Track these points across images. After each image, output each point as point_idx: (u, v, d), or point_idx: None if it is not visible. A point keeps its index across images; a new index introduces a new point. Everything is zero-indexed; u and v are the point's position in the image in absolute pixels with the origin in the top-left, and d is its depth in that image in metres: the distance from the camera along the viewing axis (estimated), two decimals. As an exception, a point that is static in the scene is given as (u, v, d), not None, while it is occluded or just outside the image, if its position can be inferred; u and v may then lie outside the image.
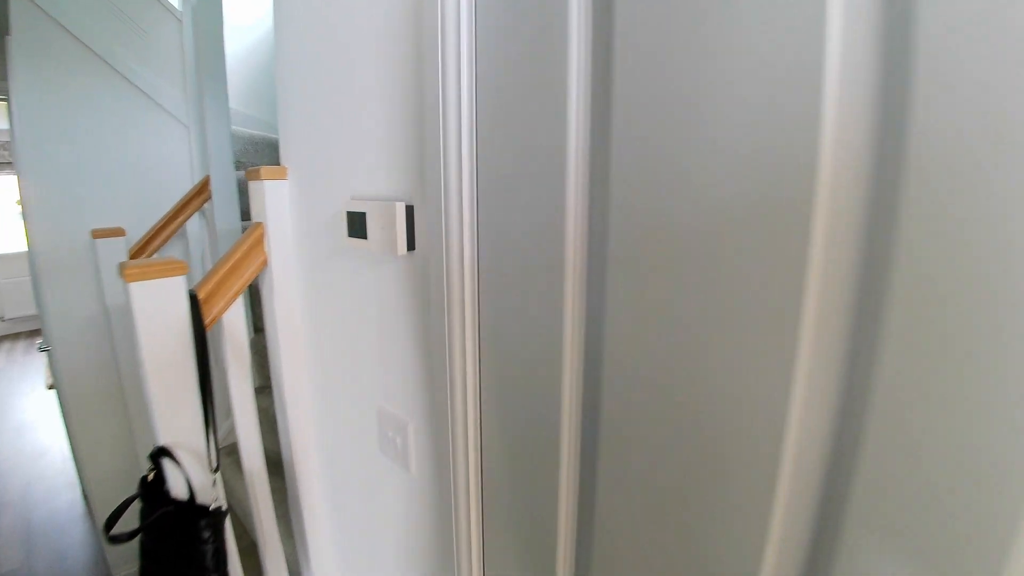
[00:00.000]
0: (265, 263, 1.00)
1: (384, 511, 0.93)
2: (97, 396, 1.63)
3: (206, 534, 0.86)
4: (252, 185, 1.00)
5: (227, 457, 1.76)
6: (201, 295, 0.92)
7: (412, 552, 0.89)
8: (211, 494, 0.94)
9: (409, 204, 0.72)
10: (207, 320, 0.93)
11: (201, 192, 1.65)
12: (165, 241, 1.60)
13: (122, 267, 0.82)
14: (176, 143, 1.82)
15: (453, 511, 0.72)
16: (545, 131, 0.51)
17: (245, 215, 1.85)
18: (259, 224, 1.00)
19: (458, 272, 0.64)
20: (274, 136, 2.68)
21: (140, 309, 0.84)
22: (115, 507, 0.85)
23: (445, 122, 0.60)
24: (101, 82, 1.62)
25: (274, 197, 0.99)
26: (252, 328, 1.83)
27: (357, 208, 0.78)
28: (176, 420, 0.90)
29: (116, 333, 1.51)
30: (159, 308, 0.86)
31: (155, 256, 1.58)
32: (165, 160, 1.80)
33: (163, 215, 1.61)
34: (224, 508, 0.92)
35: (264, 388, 1.87)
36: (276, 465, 1.18)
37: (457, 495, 0.71)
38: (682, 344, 0.44)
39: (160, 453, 0.89)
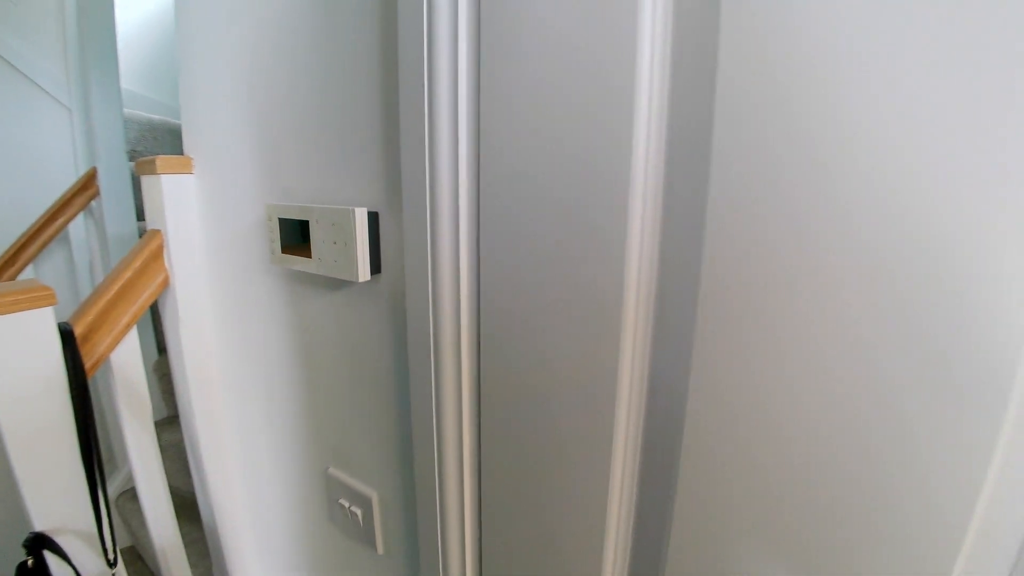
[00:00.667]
0: (166, 282, 0.77)
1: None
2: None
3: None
4: (146, 180, 0.76)
5: (130, 502, 1.48)
6: (79, 330, 0.69)
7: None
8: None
9: (372, 210, 0.52)
10: (89, 363, 0.70)
11: (86, 187, 1.35)
12: (40, 249, 1.30)
13: None
14: (56, 129, 1.49)
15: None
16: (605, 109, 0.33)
17: (141, 214, 1.56)
18: (156, 232, 0.76)
19: (451, 304, 0.45)
20: (177, 122, 2.34)
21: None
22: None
23: (433, 97, 0.42)
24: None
25: (176, 196, 0.75)
26: (156, 348, 1.55)
27: (295, 215, 0.57)
28: (55, 500, 0.66)
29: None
30: (18, 353, 0.62)
31: (22, 274, 1.27)
32: (42, 150, 1.48)
33: (37, 217, 1.30)
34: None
35: (173, 419, 1.59)
36: (192, 507, 0.94)
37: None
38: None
39: (37, 543, 0.65)
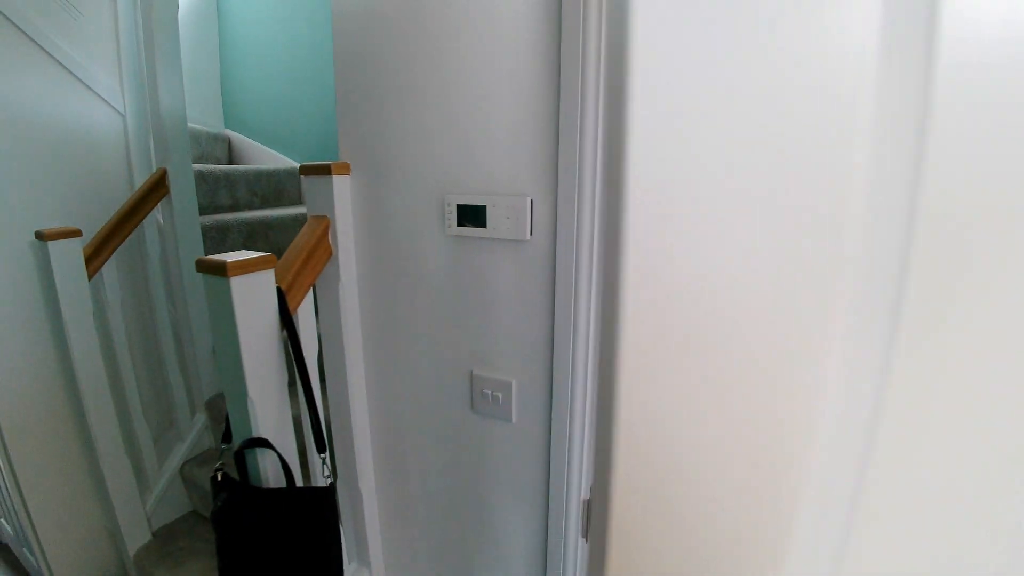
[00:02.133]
0: (330, 255, 1.06)
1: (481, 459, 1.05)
2: (39, 418, 1.47)
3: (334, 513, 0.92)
4: (313, 180, 1.04)
5: (197, 467, 1.68)
6: (283, 287, 0.96)
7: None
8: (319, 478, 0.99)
9: (531, 197, 0.86)
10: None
11: (157, 187, 1.55)
12: (122, 241, 1.49)
13: (220, 264, 0.83)
14: (108, 131, 1.66)
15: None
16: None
17: (203, 210, 1.77)
18: (324, 217, 1.04)
19: (587, 260, 0.81)
20: (206, 128, 2.50)
21: (240, 304, 0.87)
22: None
23: (583, 121, 0.76)
24: (15, 53, 1.44)
25: (340, 191, 1.04)
26: (213, 331, 1.75)
27: (473, 201, 0.90)
28: (272, 412, 0.93)
29: (74, 346, 1.38)
30: (255, 303, 0.89)
31: (106, 264, 1.46)
32: (96, 150, 1.65)
33: (116, 210, 1.50)
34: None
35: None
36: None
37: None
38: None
39: (255, 444, 0.91)
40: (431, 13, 0.89)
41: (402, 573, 1.27)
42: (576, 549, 1.00)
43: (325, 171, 1.02)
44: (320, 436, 1.00)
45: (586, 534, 1.00)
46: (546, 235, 0.86)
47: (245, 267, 0.86)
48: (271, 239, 2.07)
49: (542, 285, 0.88)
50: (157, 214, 1.61)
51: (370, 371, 1.14)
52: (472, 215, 0.91)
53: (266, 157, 2.65)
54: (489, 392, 0.98)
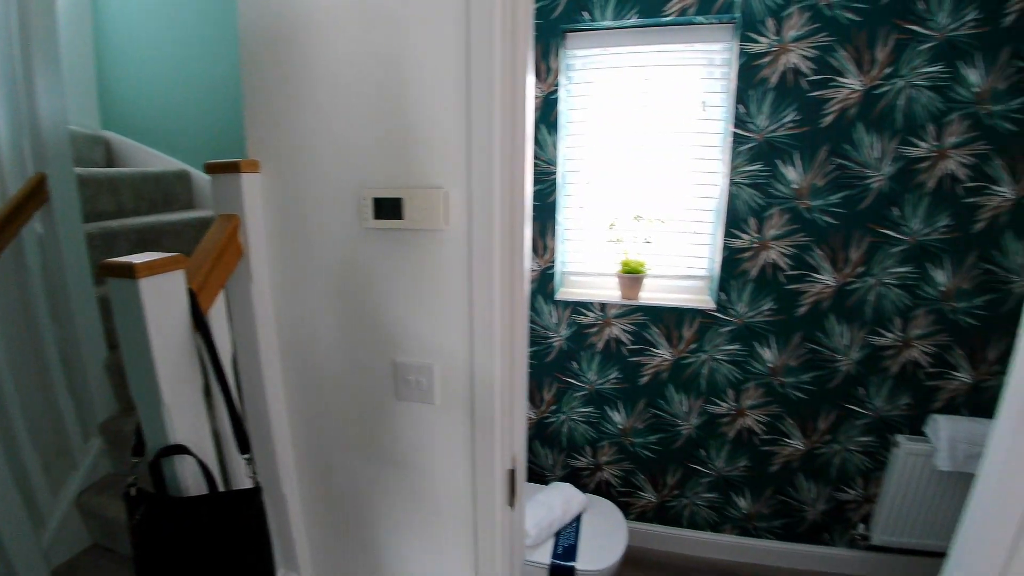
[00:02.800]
0: (241, 254, 1.05)
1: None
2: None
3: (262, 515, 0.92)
4: (222, 178, 1.03)
5: (96, 496, 1.57)
6: (194, 288, 0.95)
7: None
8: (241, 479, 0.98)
9: (445, 190, 0.92)
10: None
11: (35, 194, 1.44)
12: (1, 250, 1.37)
13: (126, 266, 0.81)
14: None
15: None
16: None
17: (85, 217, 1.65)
18: (233, 216, 1.04)
19: (501, 242, 0.88)
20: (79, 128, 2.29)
21: (150, 307, 0.85)
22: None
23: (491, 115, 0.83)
24: None
25: (249, 189, 1.04)
26: (106, 344, 1.65)
27: (389, 195, 0.94)
28: (188, 417, 0.92)
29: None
30: (165, 305, 0.88)
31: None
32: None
33: (-16, 221, 1.37)
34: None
35: (124, 411, 1.69)
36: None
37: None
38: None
39: (172, 451, 0.89)
40: (343, 5, 0.92)
41: (331, 573, 1.28)
42: (503, 517, 1.07)
43: (234, 168, 1.01)
44: (243, 436, 0.99)
45: (511, 502, 1.07)
46: (462, 224, 0.92)
47: (153, 268, 0.85)
48: (164, 246, 1.96)
49: (460, 271, 0.94)
50: (36, 223, 1.49)
51: (288, 369, 1.14)
52: (389, 208, 0.95)
53: (151, 159, 2.48)
54: (412, 378, 1.03)
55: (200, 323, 0.93)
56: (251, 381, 1.13)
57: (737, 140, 1.73)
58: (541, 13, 1.79)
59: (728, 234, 1.81)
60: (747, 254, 1.81)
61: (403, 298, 1.00)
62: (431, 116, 0.90)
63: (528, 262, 1.01)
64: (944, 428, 1.71)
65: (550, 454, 2.22)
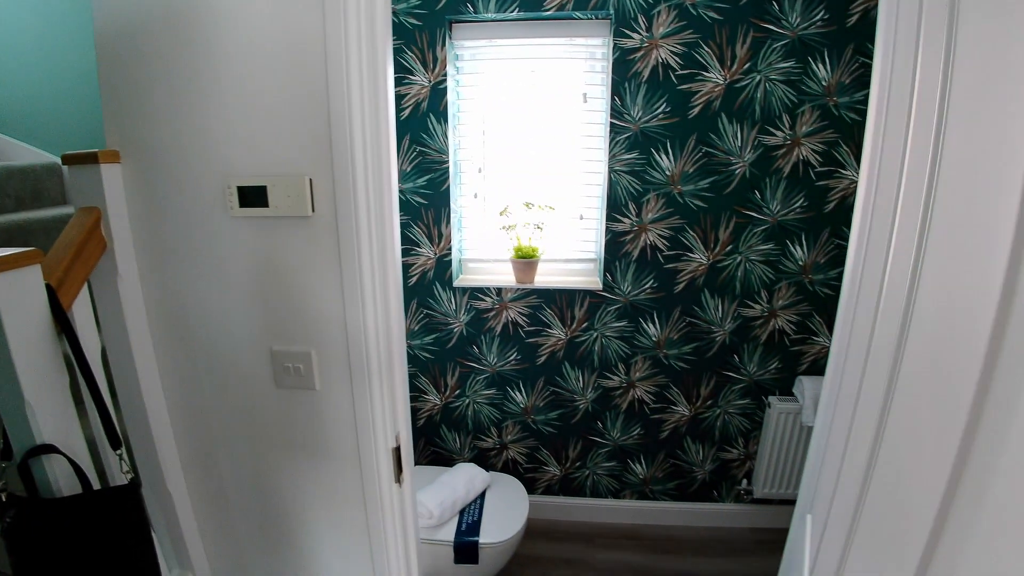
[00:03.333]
0: (105, 248, 1.04)
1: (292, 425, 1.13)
2: None
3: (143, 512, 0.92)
4: (79, 170, 1.02)
5: None
6: (52, 283, 0.94)
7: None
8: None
9: (310, 177, 0.95)
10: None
11: None
12: None
13: None
14: None
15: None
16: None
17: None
18: (94, 208, 1.03)
19: (365, 227, 0.93)
20: None
21: (5, 304, 0.84)
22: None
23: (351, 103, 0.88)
24: None
25: (111, 181, 1.03)
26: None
27: (254, 183, 0.96)
28: (55, 415, 0.91)
29: None
30: (22, 301, 0.87)
31: None
32: None
33: None
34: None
35: None
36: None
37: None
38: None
39: (40, 451, 0.89)
40: None
41: (228, 566, 1.29)
42: (391, 494, 1.13)
43: (92, 160, 1.00)
44: (112, 432, 0.99)
45: (398, 480, 1.13)
46: (328, 210, 0.96)
47: (6, 263, 0.84)
48: (35, 245, 1.85)
49: (330, 257, 0.98)
50: None
51: (166, 363, 1.14)
52: (254, 196, 0.97)
53: (16, 152, 2.32)
54: (291, 365, 1.06)
55: (61, 319, 0.92)
56: (125, 376, 1.11)
57: (615, 130, 1.86)
58: (427, 2, 1.83)
59: (611, 218, 1.94)
60: (628, 236, 1.95)
61: (276, 286, 1.03)
62: (293, 105, 0.93)
63: (398, 247, 1.06)
64: (808, 387, 1.93)
65: (457, 437, 2.30)
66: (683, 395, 2.12)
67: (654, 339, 2.06)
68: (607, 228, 1.95)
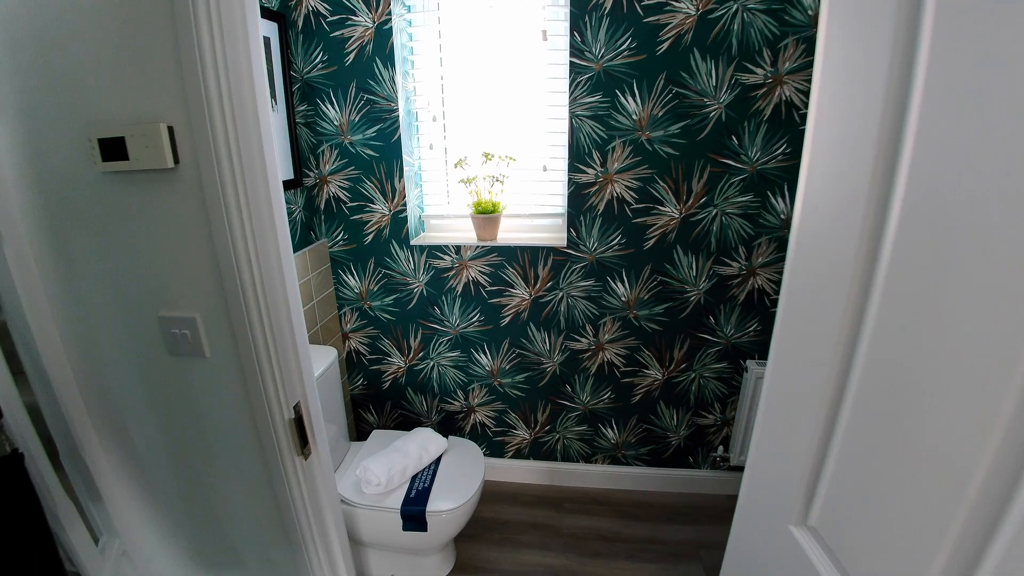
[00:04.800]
0: (-27, 208, 0.97)
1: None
2: None
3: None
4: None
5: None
6: None
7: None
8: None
9: (170, 125, 0.85)
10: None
11: None
12: None
13: None
14: None
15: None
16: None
17: None
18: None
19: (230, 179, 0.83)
20: None
21: None
22: None
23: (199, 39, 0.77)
24: None
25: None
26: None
27: (113, 134, 0.87)
28: None
29: None
30: None
31: None
32: None
33: None
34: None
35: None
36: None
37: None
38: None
39: None
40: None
41: (156, 533, 1.26)
42: (296, 469, 1.07)
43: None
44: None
45: (303, 452, 1.07)
46: (192, 163, 0.86)
47: None
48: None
49: (198, 213, 0.89)
50: None
51: (65, 333, 1.08)
52: (114, 148, 0.88)
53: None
54: (178, 331, 0.99)
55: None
56: (27, 346, 1.06)
57: (576, 70, 1.71)
58: (365, -70, 1.67)
59: (573, 168, 1.81)
60: (593, 189, 1.82)
61: (152, 247, 0.95)
62: (139, 36, 0.83)
63: (278, 200, 0.96)
64: (786, 350, 1.81)
65: (424, 400, 2.25)
66: (655, 358, 2.02)
67: (623, 299, 1.95)
68: (570, 180, 1.82)
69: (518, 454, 2.28)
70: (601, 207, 1.83)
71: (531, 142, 1.91)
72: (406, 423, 2.31)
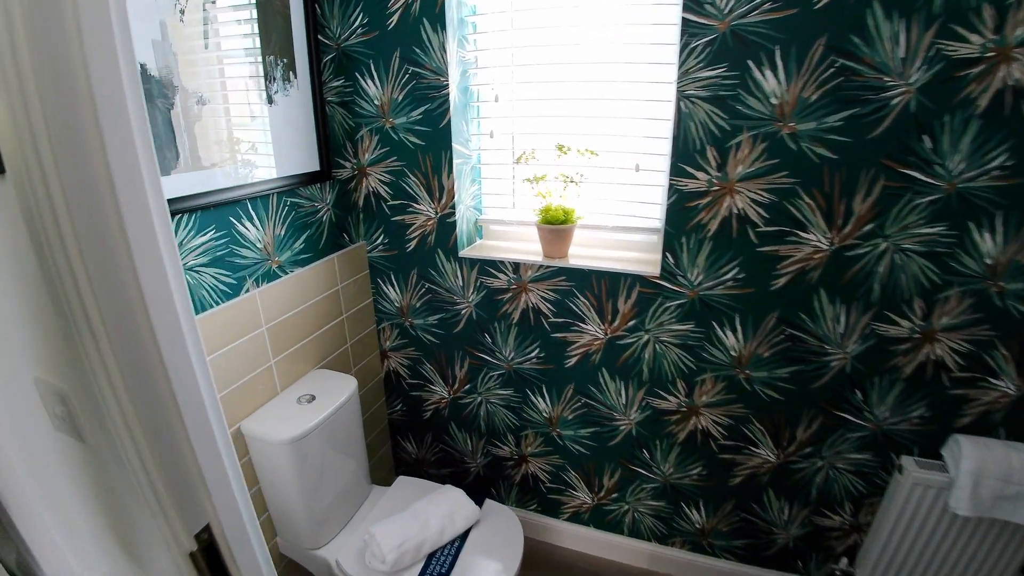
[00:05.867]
0: None
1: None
2: None
3: None
4: None
5: None
6: None
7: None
8: None
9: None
10: None
11: None
12: None
13: None
14: None
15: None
16: None
17: None
18: None
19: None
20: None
21: None
22: None
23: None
24: None
25: None
26: None
27: None
28: None
29: None
30: None
31: None
32: None
33: None
34: None
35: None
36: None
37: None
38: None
39: None
40: None
41: None
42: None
43: None
44: None
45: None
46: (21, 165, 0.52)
47: None
48: None
49: (22, 238, 0.56)
50: None
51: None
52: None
53: None
54: (52, 405, 0.67)
55: None
56: None
57: (690, 31, 1.20)
58: None
59: (677, 171, 1.31)
60: (704, 200, 1.31)
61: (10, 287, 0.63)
62: None
63: (158, 206, 0.60)
64: (969, 454, 1.22)
65: (468, 439, 1.88)
66: (769, 434, 1.49)
67: (733, 353, 1.43)
68: (671, 186, 1.33)
69: (575, 518, 1.85)
70: (713, 226, 1.32)
71: (620, 133, 1.43)
72: (447, 460, 1.95)
